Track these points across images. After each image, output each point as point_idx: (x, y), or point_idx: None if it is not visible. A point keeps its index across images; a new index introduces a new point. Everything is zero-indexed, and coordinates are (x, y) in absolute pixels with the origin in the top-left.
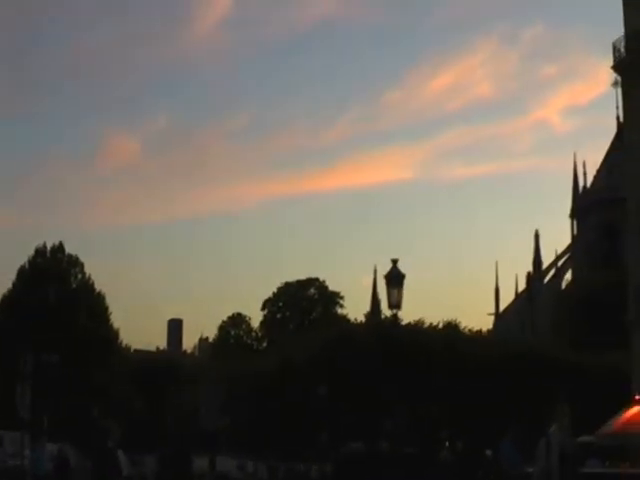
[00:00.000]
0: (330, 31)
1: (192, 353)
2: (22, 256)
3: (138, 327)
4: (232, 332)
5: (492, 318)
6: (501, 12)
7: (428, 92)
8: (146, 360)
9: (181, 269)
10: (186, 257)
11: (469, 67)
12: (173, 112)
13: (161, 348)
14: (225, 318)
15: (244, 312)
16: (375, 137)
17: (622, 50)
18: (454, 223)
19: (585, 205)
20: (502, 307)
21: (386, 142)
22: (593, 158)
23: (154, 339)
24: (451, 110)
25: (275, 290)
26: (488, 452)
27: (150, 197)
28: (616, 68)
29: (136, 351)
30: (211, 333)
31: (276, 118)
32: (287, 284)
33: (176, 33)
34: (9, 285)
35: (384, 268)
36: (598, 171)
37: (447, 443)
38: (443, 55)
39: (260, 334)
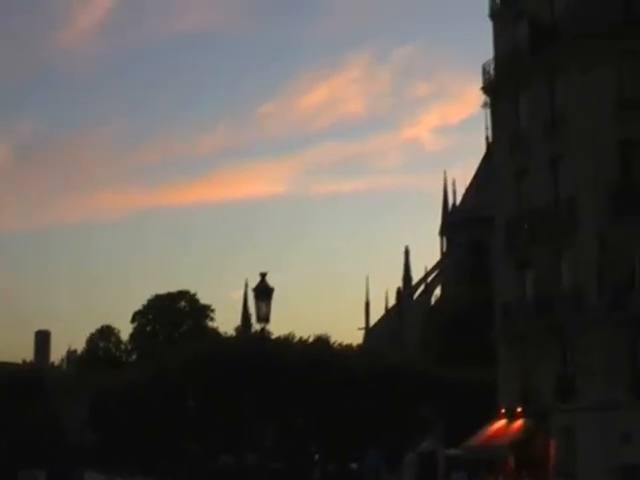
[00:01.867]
0: (207, 40)
1: (59, 366)
2: None
3: (3, 339)
4: (101, 344)
5: (362, 333)
6: (374, 29)
7: (302, 107)
8: (11, 372)
9: (49, 280)
10: (54, 267)
11: (342, 83)
12: (42, 116)
13: (28, 360)
14: (94, 330)
15: (113, 324)
16: (247, 150)
17: (491, 72)
18: (325, 238)
19: (454, 223)
20: (372, 322)
21: (258, 155)
22: (463, 177)
23: (20, 352)
24: (323, 126)
25: (145, 302)
26: (354, 465)
27: (17, 203)
28: (485, 89)
29: (1, 364)
30: (80, 346)
31: (146, 126)
32: (157, 297)
33: (49, 34)
34: None
35: (255, 282)
36: (467, 190)
37: (317, 456)
38: (318, 70)
39: (130, 347)
